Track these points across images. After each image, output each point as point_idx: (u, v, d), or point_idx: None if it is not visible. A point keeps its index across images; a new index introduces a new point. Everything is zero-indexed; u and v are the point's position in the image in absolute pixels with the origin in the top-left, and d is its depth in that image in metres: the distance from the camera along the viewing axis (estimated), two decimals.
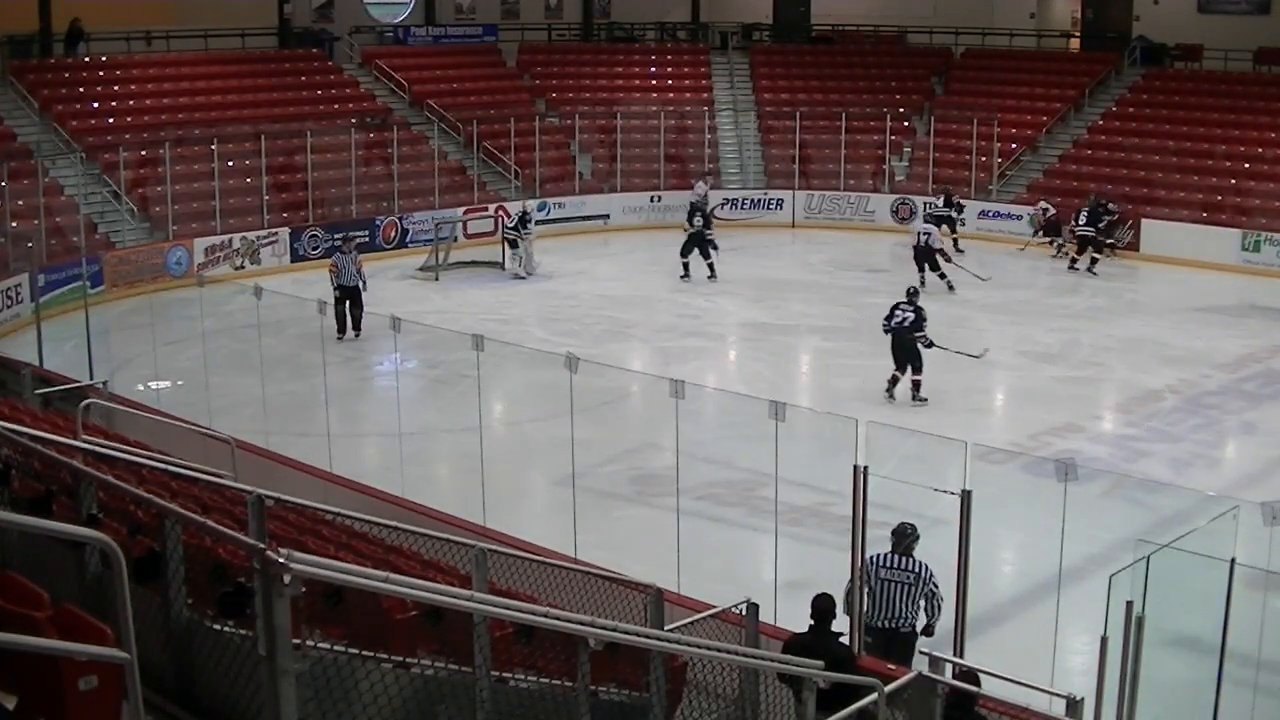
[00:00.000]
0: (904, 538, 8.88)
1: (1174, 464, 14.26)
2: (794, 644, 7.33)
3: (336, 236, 23.42)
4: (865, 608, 8.57)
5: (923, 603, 8.79)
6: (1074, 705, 6.34)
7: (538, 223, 24.72)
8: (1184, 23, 30.08)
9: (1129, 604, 6.52)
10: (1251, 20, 29.50)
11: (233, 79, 27.53)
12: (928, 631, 8.84)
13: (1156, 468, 14.04)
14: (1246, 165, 26.08)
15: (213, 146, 24.26)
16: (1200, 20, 30.07)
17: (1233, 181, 25.88)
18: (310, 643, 4.41)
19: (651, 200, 28.24)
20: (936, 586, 8.78)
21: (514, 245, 23.63)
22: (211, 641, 4.69)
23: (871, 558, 8.74)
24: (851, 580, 8.50)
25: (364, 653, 4.70)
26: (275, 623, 3.63)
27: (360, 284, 19.24)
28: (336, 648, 4.55)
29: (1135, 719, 6.72)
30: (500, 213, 26.51)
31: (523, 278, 23.26)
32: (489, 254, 24.31)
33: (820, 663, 6.64)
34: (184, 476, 7.32)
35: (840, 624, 7.85)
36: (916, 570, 8.77)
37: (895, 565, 8.81)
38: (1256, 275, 23.55)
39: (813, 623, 7.58)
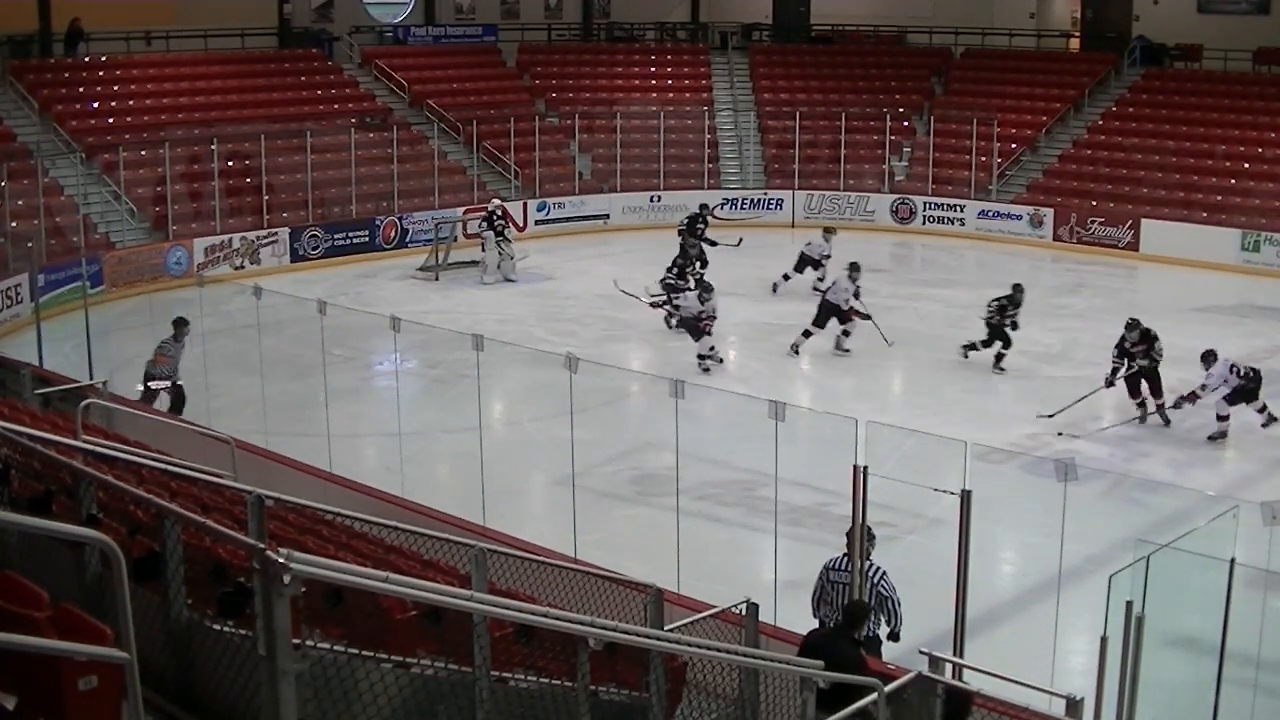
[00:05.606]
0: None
1: (1174, 464, 14.26)
2: (805, 645, 7.33)
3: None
4: (823, 611, 8.51)
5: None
6: (1074, 705, 6.34)
7: (538, 222, 24.67)
8: (1184, 23, 30.08)
9: (1129, 604, 6.52)
10: (1251, 20, 29.49)
11: (233, 79, 27.53)
12: (892, 637, 8.58)
13: (1156, 468, 14.04)
14: (1246, 165, 26.07)
15: (213, 146, 24.26)
16: (1200, 20, 30.08)
17: (1233, 181, 25.87)
18: (310, 643, 4.41)
19: (651, 200, 28.22)
20: (890, 590, 8.53)
21: (483, 247, 23.61)
22: (211, 641, 4.68)
23: (828, 561, 8.65)
24: (851, 582, 8.49)
25: (364, 653, 4.69)
26: (275, 623, 3.63)
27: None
28: (336, 648, 4.54)
29: (1135, 719, 6.72)
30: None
31: (488, 284, 23.02)
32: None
33: (820, 663, 6.64)
34: (184, 476, 7.31)
35: (812, 625, 7.79)
36: (864, 571, 8.48)
37: (845, 568, 8.60)
38: (1256, 275, 23.57)
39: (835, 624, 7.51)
